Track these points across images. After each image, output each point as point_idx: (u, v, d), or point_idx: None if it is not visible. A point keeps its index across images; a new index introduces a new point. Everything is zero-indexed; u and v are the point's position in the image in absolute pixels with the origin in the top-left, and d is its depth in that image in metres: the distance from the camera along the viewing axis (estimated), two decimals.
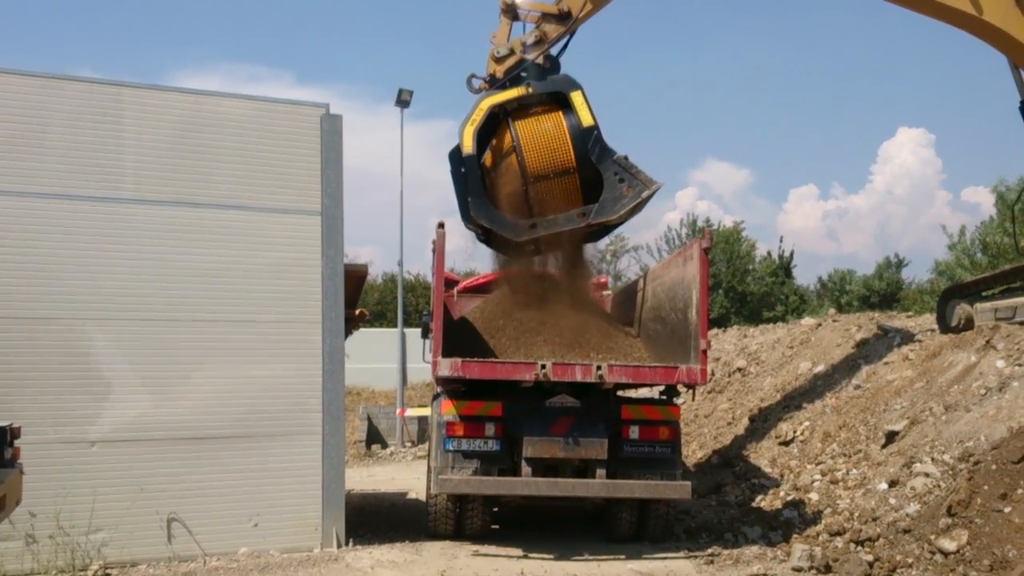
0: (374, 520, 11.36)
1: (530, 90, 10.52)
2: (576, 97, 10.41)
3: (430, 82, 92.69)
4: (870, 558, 8.15)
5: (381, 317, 42.47)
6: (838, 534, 9.01)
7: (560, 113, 10.49)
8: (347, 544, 9.40)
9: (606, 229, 11.10)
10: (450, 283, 13.58)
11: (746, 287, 41.55)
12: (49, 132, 8.79)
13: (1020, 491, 7.85)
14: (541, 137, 10.41)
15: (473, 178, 10.24)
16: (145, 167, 9.10)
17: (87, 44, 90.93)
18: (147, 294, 8.99)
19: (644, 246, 44.36)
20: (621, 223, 10.92)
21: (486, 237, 10.89)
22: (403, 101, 23.85)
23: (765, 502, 11.02)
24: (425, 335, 10.76)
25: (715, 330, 22.62)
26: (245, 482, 9.15)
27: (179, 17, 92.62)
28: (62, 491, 8.21)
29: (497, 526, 10.37)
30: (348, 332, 11.35)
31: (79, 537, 8.31)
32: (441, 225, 9.18)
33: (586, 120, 10.34)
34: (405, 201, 35.72)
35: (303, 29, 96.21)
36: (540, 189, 10.47)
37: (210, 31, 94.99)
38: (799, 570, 8.18)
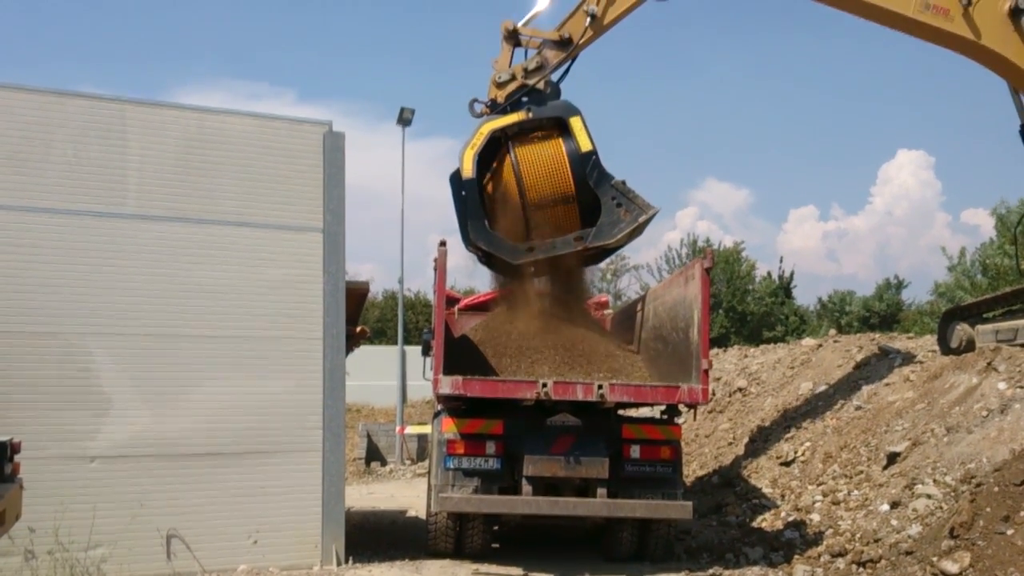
0: (374, 538, 11.31)
1: (530, 115, 10.61)
2: (575, 122, 10.50)
3: (430, 100, 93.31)
4: None
5: (381, 334, 42.60)
6: (840, 555, 8.97)
7: (560, 139, 10.57)
8: (347, 562, 9.36)
9: (604, 253, 11.17)
10: (451, 301, 13.61)
11: (746, 307, 41.65)
12: (52, 148, 8.83)
13: (1023, 513, 7.81)
14: (540, 163, 10.49)
15: (473, 201, 10.30)
16: (148, 183, 9.13)
17: (89, 60, 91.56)
18: (149, 310, 8.99)
19: (645, 265, 44.70)
20: (618, 247, 11.02)
21: (486, 259, 10.94)
22: (405, 120, 24.00)
23: (766, 522, 10.98)
24: (426, 353, 10.76)
25: (715, 350, 22.58)
26: (245, 499, 9.12)
27: (181, 34, 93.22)
28: (61, 507, 8.15)
29: (497, 544, 10.35)
30: (349, 349, 11.35)
31: (78, 553, 8.25)
32: (443, 243, 9.24)
33: (585, 145, 10.42)
34: (405, 218, 35.74)
35: (305, 47, 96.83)
36: (539, 213, 10.53)
37: (212, 48, 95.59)
38: None
